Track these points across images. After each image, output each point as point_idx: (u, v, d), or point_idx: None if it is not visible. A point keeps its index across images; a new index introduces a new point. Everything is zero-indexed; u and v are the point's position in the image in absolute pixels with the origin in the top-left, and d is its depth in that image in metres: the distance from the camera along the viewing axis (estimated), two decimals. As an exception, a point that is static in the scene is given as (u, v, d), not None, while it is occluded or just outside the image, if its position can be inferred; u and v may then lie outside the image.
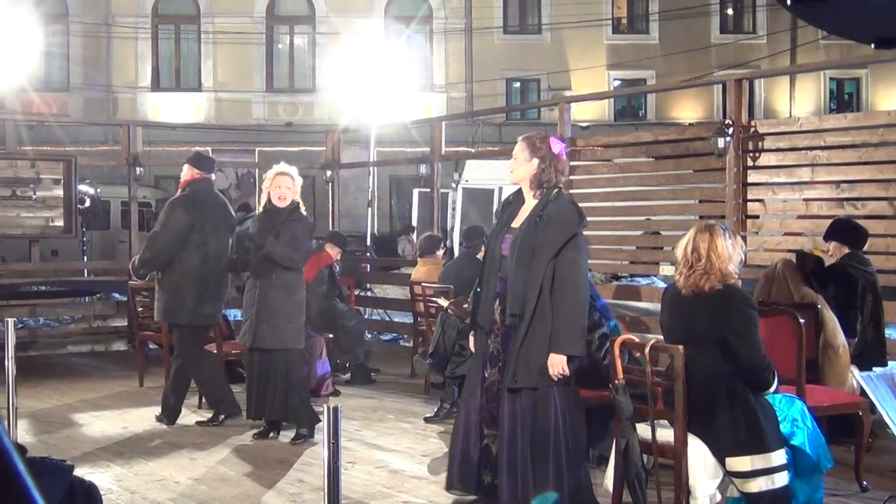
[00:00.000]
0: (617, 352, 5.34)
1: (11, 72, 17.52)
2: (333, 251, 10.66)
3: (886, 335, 7.30)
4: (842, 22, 0.95)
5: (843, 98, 30.33)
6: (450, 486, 5.81)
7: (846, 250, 7.31)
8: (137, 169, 12.59)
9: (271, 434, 7.70)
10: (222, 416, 8.26)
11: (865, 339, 7.04)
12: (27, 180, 12.06)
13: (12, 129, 12.42)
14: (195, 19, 28.53)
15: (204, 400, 8.67)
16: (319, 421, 7.39)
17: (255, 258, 7.50)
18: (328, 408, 3.73)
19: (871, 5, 0.89)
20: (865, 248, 7.55)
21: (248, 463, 7.03)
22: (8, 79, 18.17)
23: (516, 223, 5.57)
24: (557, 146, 5.64)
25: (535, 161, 5.55)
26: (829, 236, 7.50)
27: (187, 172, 8.38)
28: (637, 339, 5.44)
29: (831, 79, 29.84)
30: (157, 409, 8.48)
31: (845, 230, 7.48)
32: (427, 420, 8.37)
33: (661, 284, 10.56)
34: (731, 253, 5.17)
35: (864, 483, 6.05)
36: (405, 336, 13.15)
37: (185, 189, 8.32)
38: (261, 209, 7.61)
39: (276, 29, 29.03)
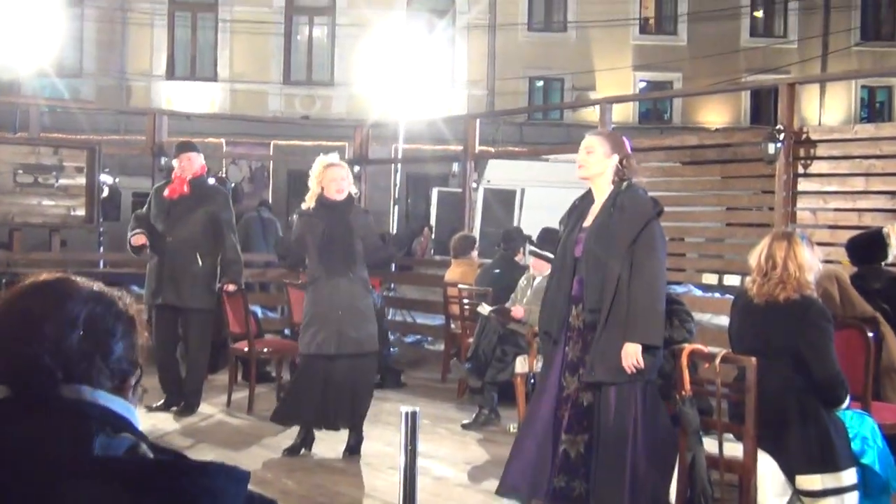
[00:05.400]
0: (685, 362, 5.13)
1: (30, 56, 17.18)
2: None
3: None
4: None
5: (875, 107, 29.81)
6: (506, 492, 5.55)
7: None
8: (162, 159, 12.31)
9: (303, 450, 7.03)
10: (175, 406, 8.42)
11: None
12: (49, 167, 11.68)
13: (36, 115, 12.11)
14: (213, 7, 28.11)
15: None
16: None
17: (333, 255, 6.83)
18: (406, 413, 3.60)
19: None
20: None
21: (288, 467, 6.82)
22: (27, 63, 17.81)
23: (587, 223, 5.41)
24: (629, 144, 5.60)
25: (615, 157, 5.44)
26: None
27: (199, 161, 8.45)
28: (706, 350, 5.22)
29: (863, 87, 29.37)
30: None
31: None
32: (465, 427, 8.12)
33: (698, 293, 10.26)
34: (809, 262, 4.98)
35: (932, 506, 5.83)
36: (429, 338, 12.84)
37: (207, 179, 8.59)
38: (312, 204, 6.91)
39: (296, 19, 28.64)
